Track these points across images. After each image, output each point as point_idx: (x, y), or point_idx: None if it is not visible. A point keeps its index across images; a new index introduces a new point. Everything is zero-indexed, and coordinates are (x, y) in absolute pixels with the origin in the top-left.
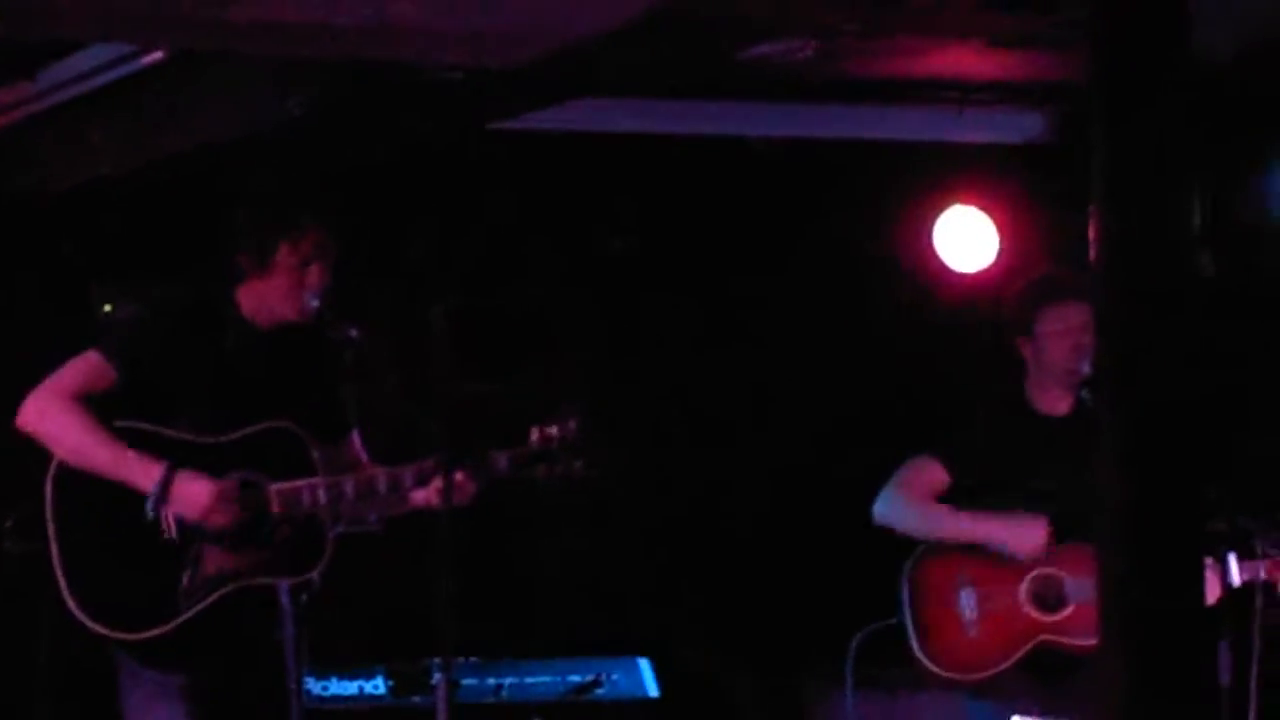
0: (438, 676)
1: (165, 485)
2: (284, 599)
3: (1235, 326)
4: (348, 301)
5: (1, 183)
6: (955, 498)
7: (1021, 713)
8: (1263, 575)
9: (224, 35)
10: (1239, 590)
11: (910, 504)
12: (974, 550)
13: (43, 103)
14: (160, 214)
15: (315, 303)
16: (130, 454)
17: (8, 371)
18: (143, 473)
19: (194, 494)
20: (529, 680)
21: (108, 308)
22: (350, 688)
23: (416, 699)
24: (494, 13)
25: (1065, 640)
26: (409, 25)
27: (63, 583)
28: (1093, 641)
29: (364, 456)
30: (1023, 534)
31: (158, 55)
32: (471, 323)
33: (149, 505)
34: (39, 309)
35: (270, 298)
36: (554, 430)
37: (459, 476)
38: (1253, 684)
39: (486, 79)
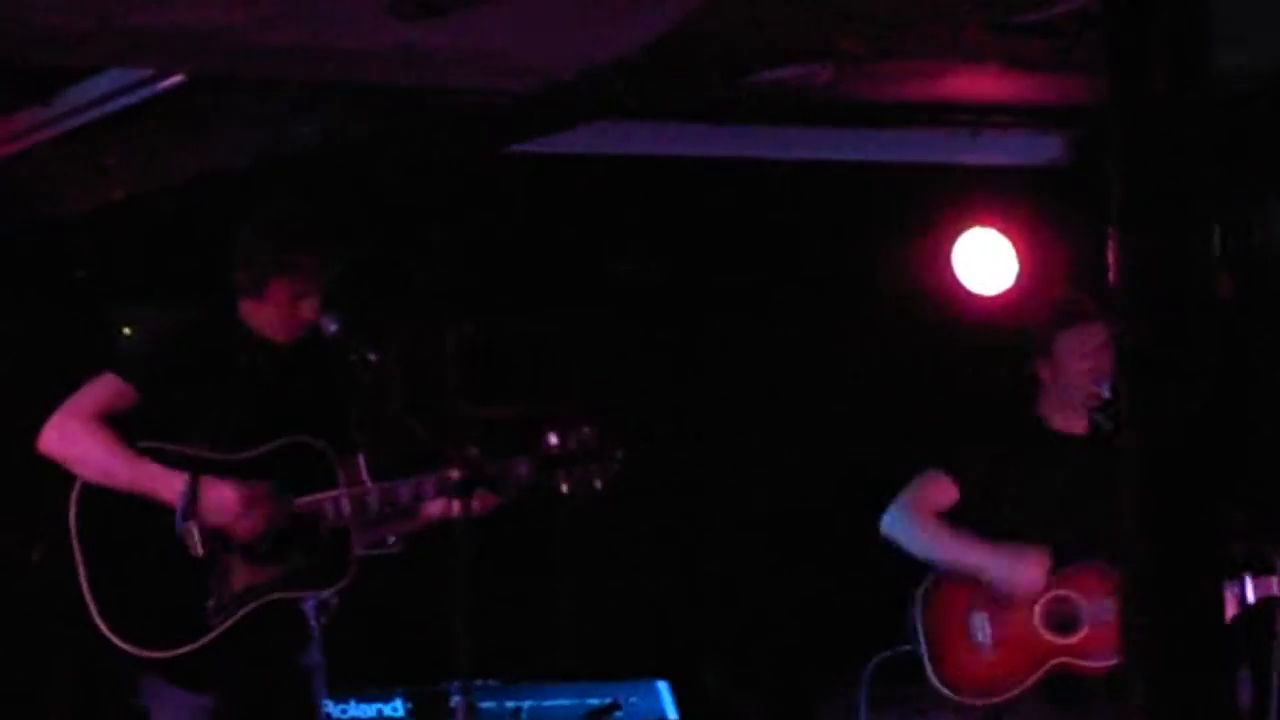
0: (456, 699)
1: (192, 494)
2: (312, 621)
3: (1254, 349)
4: (362, 325)
5: (16, 207)
6: (964, 514)
7: None
8: (1276, 591)
9: (243, 60)
10: (1258, 611)
11: (916, 521)
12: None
13: (58, 127)
14: (175, 238)
15: (334, 327)
16: (155, 468)
17: (22, 395)
18: (168, 485)
19: (222, 498)
20: (547, 703)
21: (127, 331)
22: (369, 710)
23: None
24: (511, 37)
25: (1081, 663)
26: (427, 50)
27: (91, 604)
28: (1109, 663)
29: (367, 481)
30: (1020, 567)
31: (173, 80)
32: (485, 346)
33: (178, 515)
34: (53, 333)
35: (263, 321)
36: (569, 434)
37: (492, 485)
38: (1273, 705)
39: (503, 103)
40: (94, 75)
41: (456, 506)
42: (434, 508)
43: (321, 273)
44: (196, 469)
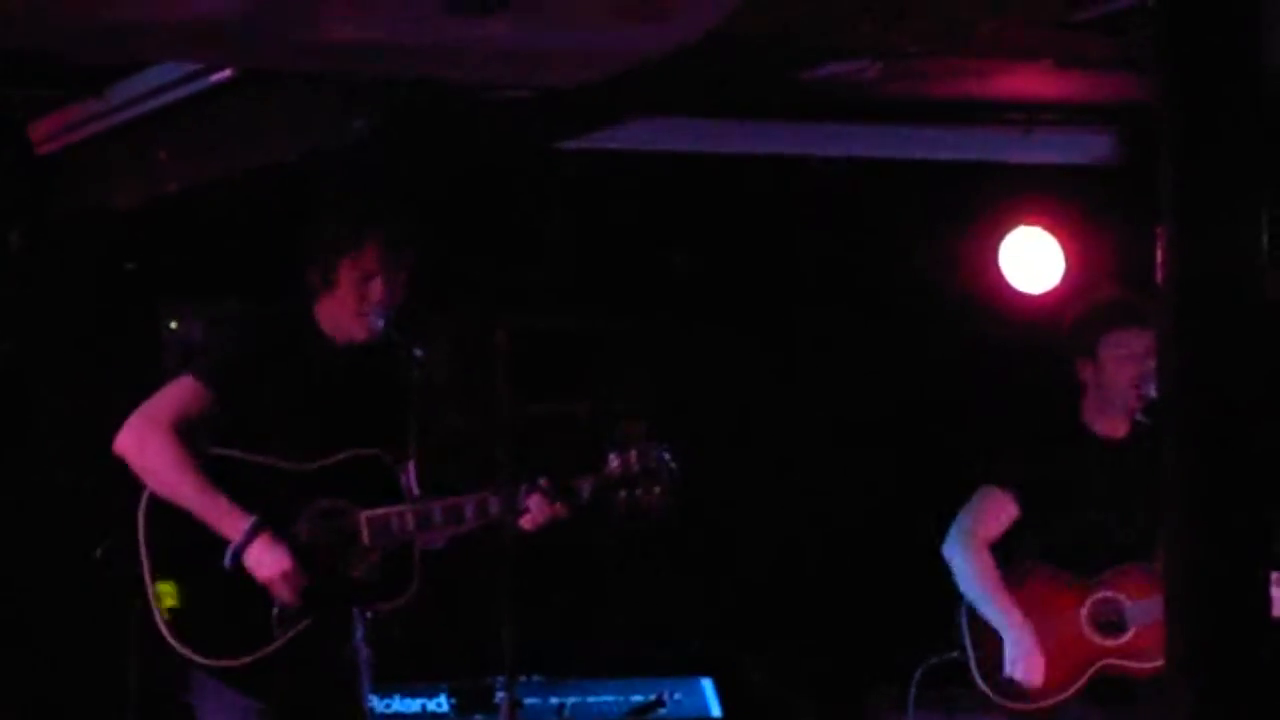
0: (501, 694)
1: (245, 544)
2: (359, 617)
3: None
4: (410, 323)
5: (69, 198)
6: (1024, 527)
7: None
8: None
9: (296, 55)
10: None
11: (967, 558)
12: (1033, 577)
13: (111, 119)
14: (226, 232)
15: (380, 322)
16: (222, 502)
17: (75, 389)
18: (230, 523)
19: (269, 561)
20: (592, 699)
21: (174, 325)
22: (413, 705)
23: (479, 717)
24: (560, 33)
25: (1128, 664)
26: (480, 45)
27: (155, 610)
28: (1155, 665)
29: (415, 489)
30: (1025, 663)
31: (226, 73)
32: (534, 344)
33: (228, 557)
34: (104, 326)
35: (340, 316)
36: (633, 457)
37: (554, 505)
38: None
39: (552, 99)
40: (147, 68)
41: (528, 525)
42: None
43: (388, 253)
44: (269, 480)
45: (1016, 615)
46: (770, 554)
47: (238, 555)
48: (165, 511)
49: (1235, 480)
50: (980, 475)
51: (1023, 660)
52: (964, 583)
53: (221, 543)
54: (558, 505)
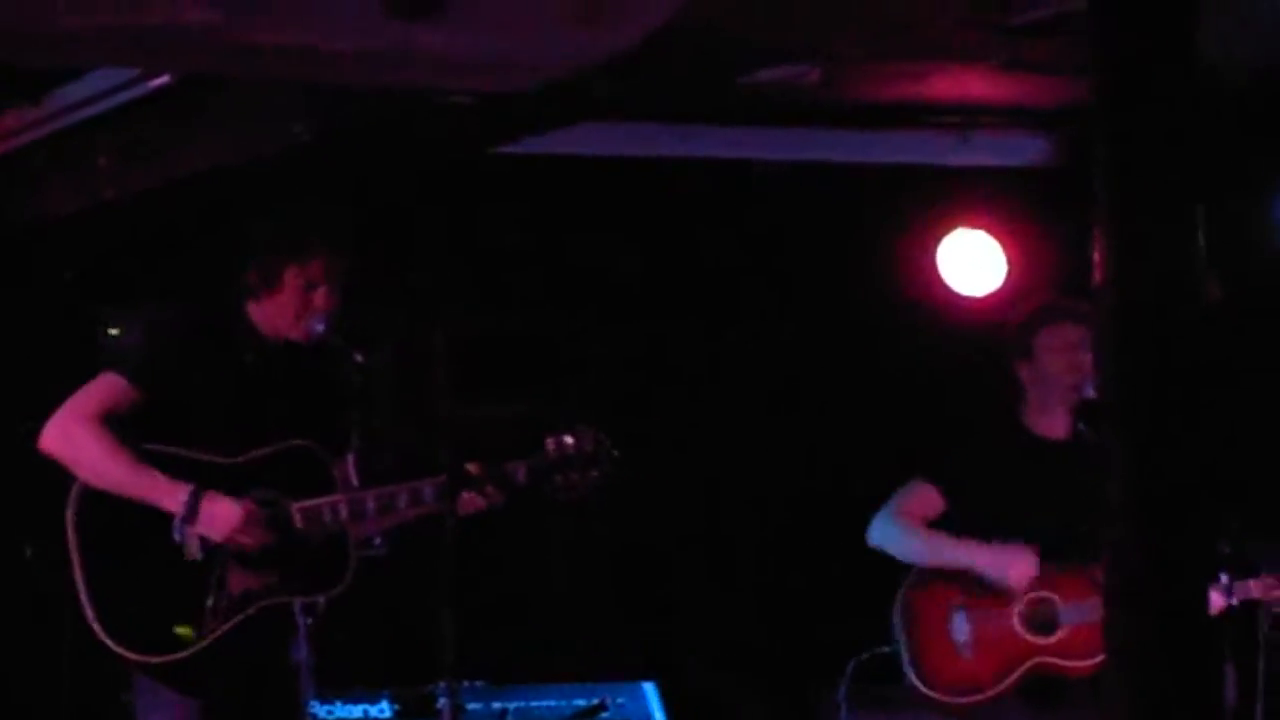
0: (443, 700)
1: (192, 507)
2: (299, 618)
3: (1243, 350)
4: (352, 325)
5: (6, 206)
6: (950, 522)
7: None
8: (1255, 594)
9: (233, 60)
10: (1242, 612)
11: (903, 529)
12: (967, 574)
13: (47, 127)
14: (164, 238)
15: (320, 327)
16: (157, 476)
17: (10, 395)
18: (170, 495)
19: (221, 516)
20: (534, 704)
21: (114, 331)
22: (355, 711)
23: None
24: (503, 37)
25: (1060, 662)
26: (419, 51)
27: (88, 607)
28: (1087, 663)
29: (355, 480)
30: (1011, 564)
31: (164, 79)
32: (474, 347)
33: (175, 527)
34: (42, 334)
35: (278, 318)
36: (570, 440)
37: (486, 489)
38: (1258, 708)
39: (493, 103)
40: (83, 75)
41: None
42: (422, 506)
43: (334, 262)
44: (199, 474)
45: (970, 542)
46: (712, 555)
47: (185, 525)
48: (95, 508)
49: (1175, 482)
50: (910, 469)
51: (1008, 567)
52: (903, 549)
53: (153, 536)
54: (489, 489)
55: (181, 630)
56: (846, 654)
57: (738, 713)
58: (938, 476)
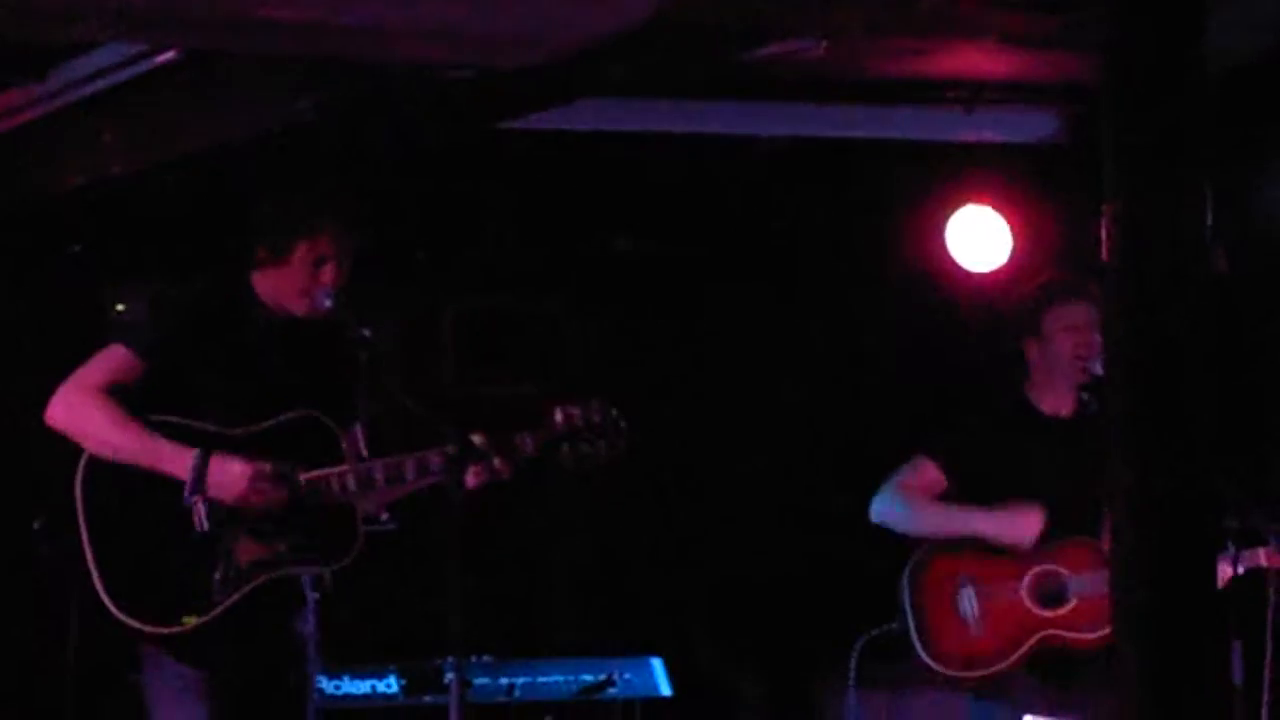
0: (450, 675)
1: (201, 470)
2: (307, 591)
3: (1249, 325)
4: (359, 302)
5: (13, 183)
6: (951, 499)
7: (1029, 713)
8: (1263, 562)
9: (239, 35)
10: (1250, 587)
11: (906, 503)
12: (974, 548)
13: (54, 103)
14: (171, 214)
15: (329, 303)
16: (163, 443)
17: (19, 371)
18: (177, 460)
19: (231, 476)
20: (541, 679)
21: (120, 308)
22: (363, 687)
23: (429, 698)
24: (509, 13)
25: (1068, 635)
26: (422, 27)
27: (96, 579)
28: (1095, 636)
29: (364, 453)
30: (1017, 522)
31: (170, 55)
32: (480, 325)
33: (186, 492)
34: (49, 309)
35: (284, 290)
36: (577, 411)
37: (495, 460)
38: (1266, 682)
39: (497, 80)
40: (89, 51)
41: (473, 480)
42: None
43: (344, 238)
44: (206, 444)
45: (973, 507)
46: (718, 532)
47: (195, 489)
48: (103, 480)
49: (1181, 455)
50: (912, 445)
51: (1015, 525)
52: (907, 522)
53: (161, 508)
54: (497, 461)
55: (188, 619)
56: (853, 631)
57: (744, 689)
58: (939, 453)
